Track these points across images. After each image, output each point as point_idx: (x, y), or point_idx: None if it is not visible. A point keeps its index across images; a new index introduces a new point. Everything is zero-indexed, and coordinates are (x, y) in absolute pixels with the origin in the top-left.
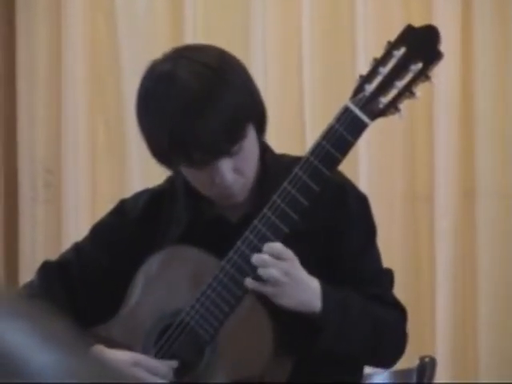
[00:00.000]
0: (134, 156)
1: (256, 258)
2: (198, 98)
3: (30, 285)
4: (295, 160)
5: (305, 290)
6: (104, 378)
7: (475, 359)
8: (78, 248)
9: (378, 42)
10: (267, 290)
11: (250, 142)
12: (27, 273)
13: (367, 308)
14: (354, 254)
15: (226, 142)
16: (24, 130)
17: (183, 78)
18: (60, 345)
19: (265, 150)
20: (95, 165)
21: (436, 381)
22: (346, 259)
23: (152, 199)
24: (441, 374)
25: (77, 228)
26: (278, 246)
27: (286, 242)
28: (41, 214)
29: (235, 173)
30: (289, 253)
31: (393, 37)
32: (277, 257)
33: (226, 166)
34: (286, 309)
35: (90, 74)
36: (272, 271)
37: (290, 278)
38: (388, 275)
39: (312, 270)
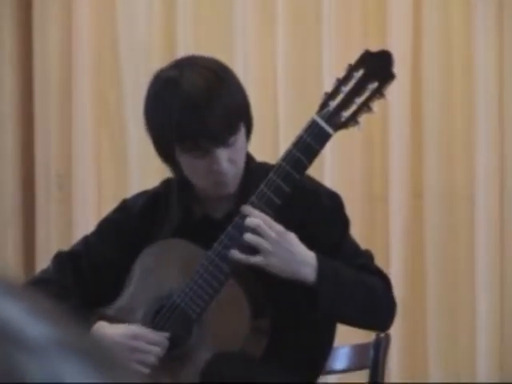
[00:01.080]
0: (133, 161)
1: (249, 221)
2: (202, 95)
3: (45, 270)
4: (272, 167)
5: (296, 260)
6: (91, 348)
7: (424, 340)
8: (86, 240)
9: (340, 64)
10: (256, 260)
11: (242, 138)
12: (43, 261)
13: (358, 276)
14: (333, 245)
15: (226, 133)
16: (40, 141)
17: (189, 78)
18: (50, 320)
19: (248, 157)
20: (100, 169)
21: (389, 353)
22: (327, 251)
23: (149, 199)
24: (393, 348)
25: (85, 223)
26: (264, 217)
27: None
28: (54, 212)
29: (229, 162)
30: (279, 226)
31: (352, 59)
32: (268, 225)
33: (223, 154)
34: (279, 277)
35: (95, 91)
36: (260, 240)
37: (279, 247)
38: (368, 251)
39: None
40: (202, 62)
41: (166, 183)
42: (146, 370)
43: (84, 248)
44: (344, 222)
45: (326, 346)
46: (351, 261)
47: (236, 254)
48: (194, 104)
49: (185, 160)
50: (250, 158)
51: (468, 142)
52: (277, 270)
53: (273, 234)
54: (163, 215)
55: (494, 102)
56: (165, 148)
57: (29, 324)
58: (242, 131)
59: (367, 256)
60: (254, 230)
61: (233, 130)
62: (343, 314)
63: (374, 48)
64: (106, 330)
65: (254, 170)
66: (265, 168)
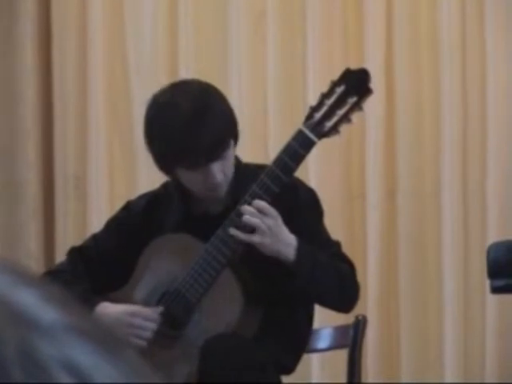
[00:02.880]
0: (142, 164)
1: (244, 209)
2: (195, 117)
3: (60, 263)
4: (258, 167)
5: (283, 242)
6: (95, 329)
7: (396, 324)
8: (95, 237)
9: (322, 75)
10: (253, 239)
11: (231, 150)
12: (61, 253)
13: (330, 260)
14: (309, 232)
15: (219, 149)
16: (58, 146)
17: (181, 102)
18: (59, 305)
19: (236, 160)
20: (112, 171)
21: (366, 333)
22: (304, 235)
23: (151, 199)
24: (370, 328)
25: (98, 219)
26: (263, 203)
27: None
28: (71, 209)
29: (221, 172)
30: (273, 210)
31: (333, 75)
32: (261, 211)
33: (216, 167)
34: (265, 255)
35: (107, 101)
36: (258, 221)
37: (271, 231)
38: (337, 242)
39: None
40: (193, 87)
41: (166, 185)
42: (143, 343)
43: (93, 242)
44: (319, 213)
45: (309, 327)
46: (324, 247)
47: (238, 232)
48: (188, 127)
49: (182, 174)
50: (237, 161)
51: (435, 145)
52: (266, 249)
53: (268, 218)
54: (164, 213)
55: (458, 109)
56: (164, 165)
57: (41, 309)
58: (231, 144)
59: (337, 244)
60: (253, 214)
61: (224, 146)
62: (316, 290)
63: (353, 61)
64: (108, 309)
65: (242, 170)
66: (251, 168)
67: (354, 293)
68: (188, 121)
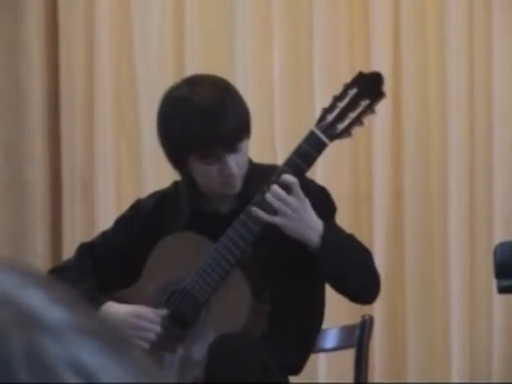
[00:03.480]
0: (148, 166)
1: (273, 190)
2: (216, 107)
3: (68, 259)
4: (268, 167)
5: (307, 225)
6: (102, 329)
7: (403, 323)
8: (104, 234)
9: (328, 77)
10: (276, 220)
11: (246, 144)
12: (69, 254)
13: (354, 248)
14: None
15: (237, 140)
16: (66, 147)
17: (201, 94)
18: (67, 305)
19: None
20: (119, 173)
21: (373, 333)
22: None
23: (161, 198)
24: (377, 329)
25: (105, 220)
26: (291, 178)
27: (270, 229)
28: (78, 210)
29: (236, 165)
30: (300, 192)
31: (339, 77)
32: (286, 188)
33: (232, 160)
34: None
35: (115, 104)
36: (282, 205)
37: (296, 214)
38: (351, 234)
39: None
40: (209, 79)
41: (176, 184)
42: (147, 345)
43: (102, 239)
44: (332, 209)
45: (317, 327)
46: None
47: (261, 212)
48: (209, 116)
49: (198, 167)
50: (249, 160)
51: (442, 148)
52: (289, 230)
53: (294, 199)
54: (174, 211)
55: (465, 110)
56: (180, 158)
57: (48, 310)
58: (247, 139)
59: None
60: (278, 196)
61: (242, 137)
62: (341, 278)
63: (359, 62)
64: (114, 309)
65: (253, 171)
66: (262, 168)
67: (377, 282)
68: (208, 112)
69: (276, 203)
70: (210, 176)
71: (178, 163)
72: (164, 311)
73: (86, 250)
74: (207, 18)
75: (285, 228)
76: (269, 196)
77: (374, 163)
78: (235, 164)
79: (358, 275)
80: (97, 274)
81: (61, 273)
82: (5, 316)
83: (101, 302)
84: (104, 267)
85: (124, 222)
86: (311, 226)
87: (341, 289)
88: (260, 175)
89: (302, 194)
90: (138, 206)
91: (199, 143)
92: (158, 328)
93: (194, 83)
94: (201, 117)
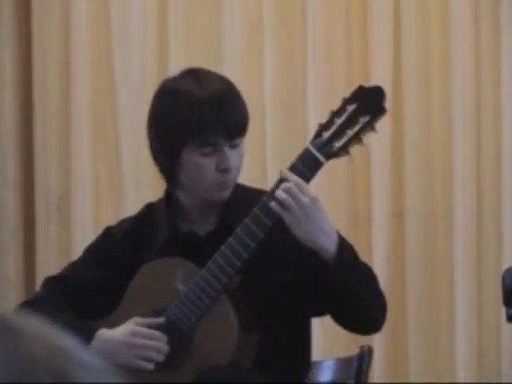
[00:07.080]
0: (129, 185)
1: (284, 186)
2: (222, 93)
3: (35, 294)
4: (254, 191)
5: (320, 229)
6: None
7: (405, 355)
8: (73, 265)
9: (323, 88)
10: (285, 215)
11: (243, 145)
12: (42, 279)
13: (363, 261)
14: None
15: (241, 131)
16: (39, 164)
17: (207, 80)
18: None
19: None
20: (97, 192)
21: (373, 366)
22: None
23: (134, 223)
24: (376, 360)
25: (83, 243)
26: (302, 182)
27: (264, 250)
28: (53, 232)
29: (233, 162)
30: (311, 192)
31: (334, 84)
32: (299, 188)
33: (230, 153)
34: (298, 239)
35: (93, 117)
36: (288, 198)
37: (305, 212)
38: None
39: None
40: (212, 72)
41: (149, 207)
42: (150, 366)
43: (71, 271)
44: None
45: (308, 358)
46: None
47: (275, 205)
48: (215, 100)
49: (193, 160)
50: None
51: (446, 166)
52: (299, 232)
53: (304, 199)
54: (150, 234)
55: (471, 130)
56: (175, 148)
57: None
58: (244, 136)
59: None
60: (289, 192)
61: (242, 132)
62: (353, 291)
63: (358, 77)
64: (109, 334)
65: (238, 191)
66: (246, 191)
67: (386, 308)
68: (215, 96)
69: (286, 198)
70: (204, 171)
71: (170, 159)
72: (162, 319)
73: (55, 283)
74: (192, 22)
75: (294, 229)
76: (279, 192)
77: (372, 181)
78: (232, 160)
79: (370, 294)
80: (69, 307)
81: (34, 306)
82: None
83: (92, 332)
84: (76, 301)
85: (94, 251)
86: (326, 232)
87: (351, 306)
88: (244, 199)
89: (311, 193)
90: (108, 234)
91: (201, 127)
92: (157, 344)
93: (197, 72)
94: (209, 103)
